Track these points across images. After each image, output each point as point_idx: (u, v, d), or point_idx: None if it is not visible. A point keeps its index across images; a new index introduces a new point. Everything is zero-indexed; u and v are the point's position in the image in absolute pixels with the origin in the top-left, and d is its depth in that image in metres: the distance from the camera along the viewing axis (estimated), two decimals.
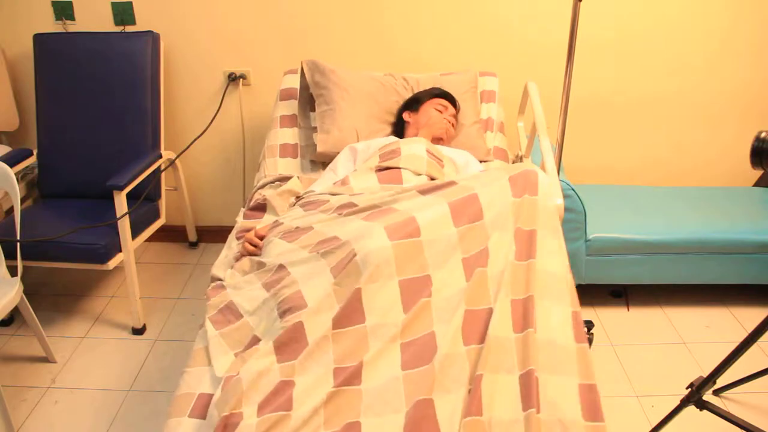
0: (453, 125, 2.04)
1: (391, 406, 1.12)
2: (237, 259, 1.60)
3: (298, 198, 1.79)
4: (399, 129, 2.08)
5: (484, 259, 1.29)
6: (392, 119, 2.13)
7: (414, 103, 2.07)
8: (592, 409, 1.13)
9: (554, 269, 1.29)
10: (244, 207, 1.86)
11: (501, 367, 1.15)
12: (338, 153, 2.01)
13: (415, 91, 2.15)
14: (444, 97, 2.06)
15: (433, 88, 2.11)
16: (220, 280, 1.53)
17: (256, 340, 1.27)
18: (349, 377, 1.15)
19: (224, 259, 1.64)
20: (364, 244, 1.27)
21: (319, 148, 2.04)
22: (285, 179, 1.93)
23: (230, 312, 1.37)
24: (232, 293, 1.43)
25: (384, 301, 1.23)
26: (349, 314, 1.22)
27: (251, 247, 1.59)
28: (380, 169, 1.71)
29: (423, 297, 1.24)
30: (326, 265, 1.30)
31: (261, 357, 1.17)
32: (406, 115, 2.06)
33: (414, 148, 1.75)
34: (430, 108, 2.02)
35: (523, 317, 1.21)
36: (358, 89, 2.10)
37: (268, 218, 1.77)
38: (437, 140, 1.97)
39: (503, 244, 1.31)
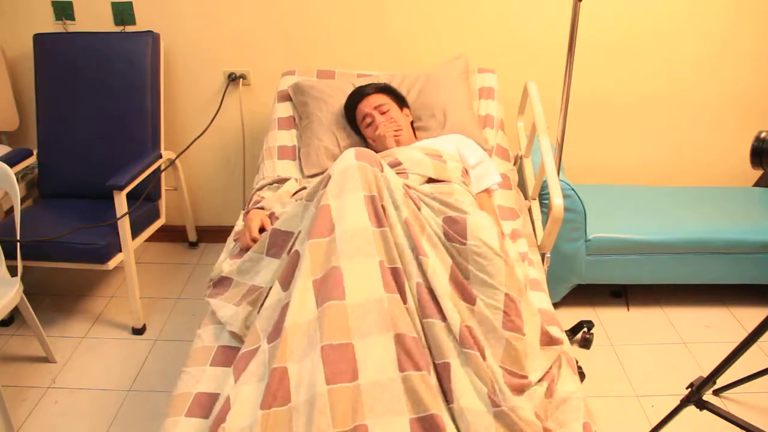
0: (384, 111, 1.92)
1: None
2: (234, 257, 1.60)
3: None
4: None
5: None
6: None
7: (354, 128, 2.03)
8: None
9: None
10: (243, 209, 1.86)
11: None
12: (325, 163, 2.00)
13: (408, 90, 2.12)
14: (359, 102, 1.95)
15: (347, 103, 2.00)
16: (217, 281, 1.55)
17: (254, 289, 1.42)
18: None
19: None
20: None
21: (304, 163, 2.04)
22: (283, 180, 1.93)
23: (222, 285, 1.51)
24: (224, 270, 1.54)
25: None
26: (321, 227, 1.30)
27: (250, 242, 1.59)
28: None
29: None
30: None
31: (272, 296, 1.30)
32: (366, 141, 2.02)
33: (411, 154, 1.70)
34: (363, 129, 1.96)
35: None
36: (337, 97, 2.09)
37: None
38: (398, 143, 1.89)
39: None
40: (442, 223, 1.36)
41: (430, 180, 1.67)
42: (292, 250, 1.33)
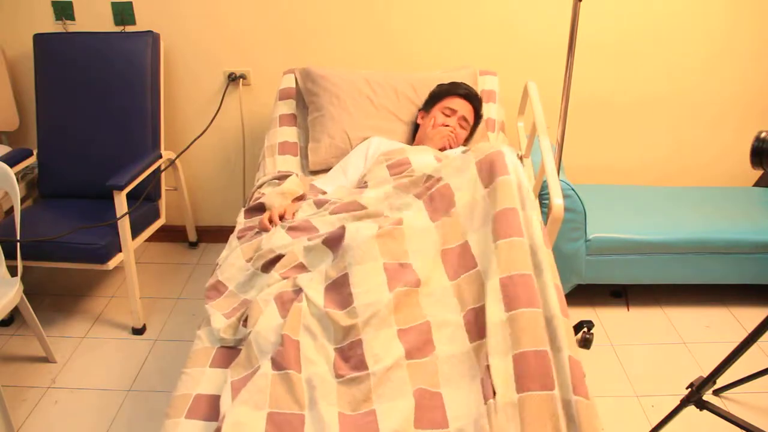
0: (463, 127, 1.97)
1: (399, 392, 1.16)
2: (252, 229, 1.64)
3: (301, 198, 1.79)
4: (415, 128, 2.07)
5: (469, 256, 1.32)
6: (392, 117, 2.11)
7: (429, 103, 2.03)
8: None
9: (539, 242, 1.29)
10: (244, 206, 1.86)
11: (497, 350, 1.16)
12: (331, 161, 2.01)
13: (416, 89, 2.13)
14: (460, 97, 1.98)
15: (450, 86, 2.02)
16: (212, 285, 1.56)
17: (246, 303, 1.42)
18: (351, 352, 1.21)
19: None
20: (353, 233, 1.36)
21: (311, 158, 2.04)
22: (284, 176, 1.93)
23: (215, 289, 1.52)
24: (218, 273, 1.56)
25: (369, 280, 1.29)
26: (339, 288, 1.30)
27: (267, 224, 1.61)
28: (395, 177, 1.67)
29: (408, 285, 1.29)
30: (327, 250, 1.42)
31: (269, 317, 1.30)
32: (419, 116, 2.04)
33: (423, 159, 1.71)
34: (437, 112, 1.97)
35: (513, 297, 1.21)
36: (350, 92, 2.09)
37: None
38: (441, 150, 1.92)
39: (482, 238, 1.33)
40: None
41: None
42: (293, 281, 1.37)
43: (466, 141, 2.06)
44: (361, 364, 1.18)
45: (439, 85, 2.06)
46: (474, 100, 2.01)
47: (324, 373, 1.18)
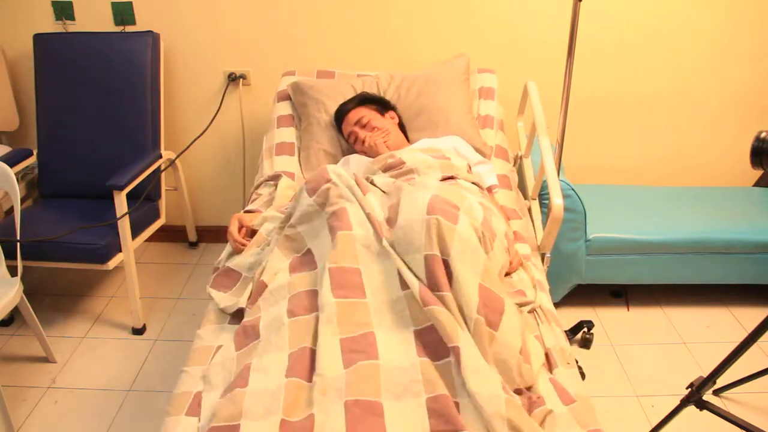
0: (372, 127, 1.90)
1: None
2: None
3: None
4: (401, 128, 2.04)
5: None
6: None
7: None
8: None
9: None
10: (243, 209, 1.85)
11: None
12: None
13: (392, 88, 2.13)
14: (341, 122, 1.97)
15: (335, 119, 2.02)
16: (222, 272, 1.55)
17: (262, 284, 1.40)
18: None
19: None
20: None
21: (303, 166, 2.04)
22: (278, 177, 1.91)
23: (229, 277, 1.50)
24: (229, 261, 1.55)
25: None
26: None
27: (239, 246, 1.57)
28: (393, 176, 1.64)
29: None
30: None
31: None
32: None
33: (414, 156, 1.68)
34: (353, 146, 1.96)
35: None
36: (334, 98, 2.08)
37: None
38: (389, 148, 1.86)
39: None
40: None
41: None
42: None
43: (387, 112, 1.99)
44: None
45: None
46: (345, 107, 1.97)
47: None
